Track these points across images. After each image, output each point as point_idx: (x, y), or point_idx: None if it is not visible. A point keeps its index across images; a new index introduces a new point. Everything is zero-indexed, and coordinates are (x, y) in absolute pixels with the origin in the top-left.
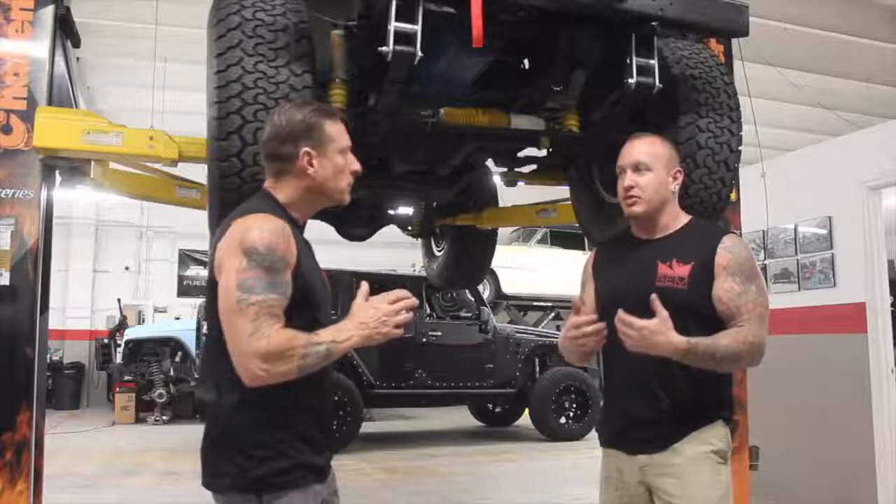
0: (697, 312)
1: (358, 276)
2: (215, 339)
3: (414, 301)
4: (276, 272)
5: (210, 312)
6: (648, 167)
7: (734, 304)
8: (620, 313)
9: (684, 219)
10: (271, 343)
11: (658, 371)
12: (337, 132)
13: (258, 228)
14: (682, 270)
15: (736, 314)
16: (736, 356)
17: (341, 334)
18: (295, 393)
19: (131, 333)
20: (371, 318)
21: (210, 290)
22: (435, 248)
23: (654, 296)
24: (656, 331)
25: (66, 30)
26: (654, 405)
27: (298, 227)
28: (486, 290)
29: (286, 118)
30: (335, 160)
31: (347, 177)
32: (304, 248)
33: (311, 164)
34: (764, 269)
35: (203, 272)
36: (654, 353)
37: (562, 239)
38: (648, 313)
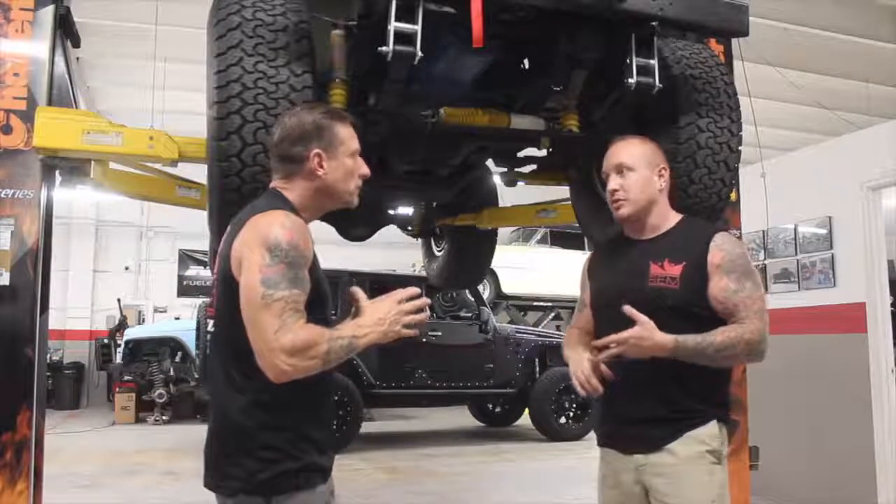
0: (690, 311)
1: (358, 276)
2: (224, 338)
3: (425, 300)
4: (298, 268)
5: (223, 310)
6: (630, 167)
7: (731, 301)
8: (602, 339)
9: (675, 218)
10: (297, 338)
11: (653, 371)
12: (347, 135)
13: (280, 224)
14: (674, 270)
15: (734, 311)
16: (731, 352)
17: (361, 329)
18: (301, 393)
19: (131, 333)
20: (387, 314)
21: (224, 286)
22: (435, 248)
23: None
24: (640, 336)
25: (66, 30)
26: (648, 405)
27: None
28: (486, 290)
29: (297, 120)
30: (345, 162)
31: (356, 179)
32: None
33: (321, 166)
34: (764, 269)
35: (203, 272)
36: (647, 356)
37: (562, 239)
38: (642, 312)
